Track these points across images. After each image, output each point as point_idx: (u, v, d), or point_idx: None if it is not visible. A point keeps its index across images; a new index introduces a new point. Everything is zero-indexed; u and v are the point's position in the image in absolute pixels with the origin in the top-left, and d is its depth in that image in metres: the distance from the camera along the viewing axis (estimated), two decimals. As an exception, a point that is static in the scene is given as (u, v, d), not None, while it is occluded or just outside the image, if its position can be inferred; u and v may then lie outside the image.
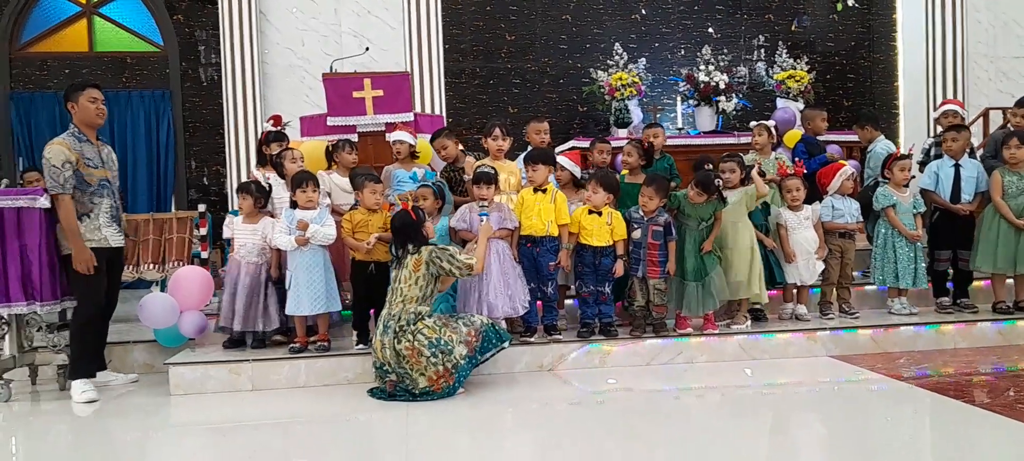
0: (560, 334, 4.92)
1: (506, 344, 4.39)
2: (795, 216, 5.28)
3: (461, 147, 5.61)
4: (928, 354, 4.96)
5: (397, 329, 4.13)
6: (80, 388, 4.46)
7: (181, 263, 6.15)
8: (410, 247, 4.29)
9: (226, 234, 5.03)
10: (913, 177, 5.64)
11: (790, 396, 4.24)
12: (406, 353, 4.09)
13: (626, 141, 5.83)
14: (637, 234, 4.91)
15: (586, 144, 6.36)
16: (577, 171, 5.30)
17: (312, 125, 6.01)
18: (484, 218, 4.64)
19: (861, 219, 5.49)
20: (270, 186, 5.14)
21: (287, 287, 4.68)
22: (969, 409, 3.69)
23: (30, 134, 8.70)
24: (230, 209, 5.64)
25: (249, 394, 4.47)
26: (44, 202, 4.50)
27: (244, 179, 7.06)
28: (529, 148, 5.38)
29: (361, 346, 4.72)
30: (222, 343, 4.92)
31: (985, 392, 4.03)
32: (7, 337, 4.65)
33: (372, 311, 4.79)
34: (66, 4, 8.94)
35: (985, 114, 8.69)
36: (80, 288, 4.52)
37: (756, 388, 4.36)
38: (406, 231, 4.33)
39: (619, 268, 4.87)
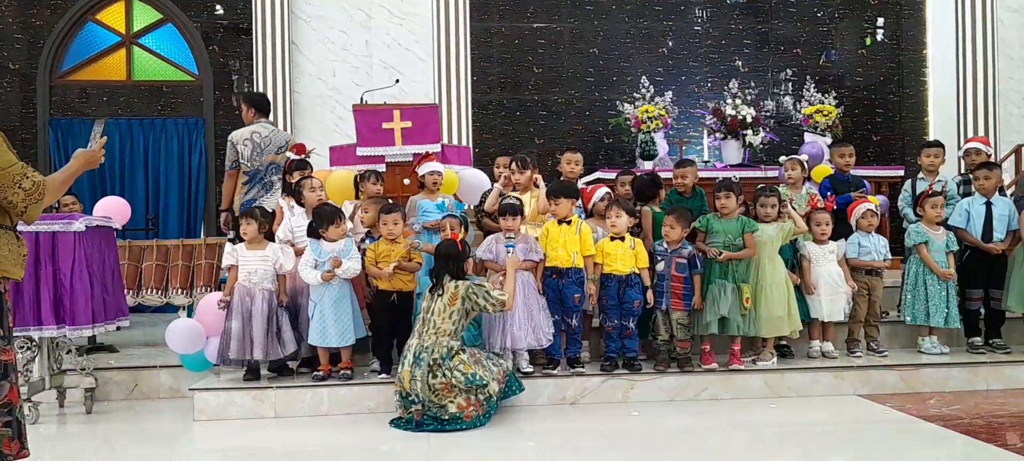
0: (583, 367, 4.89)
1: (520, 393, 4.52)
2: (819, 249, 5.23)
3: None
4: (959, 395, 4.85)
5: (431, 363, 4.13)
6: None
7: (209, 289, 6.23)
8: (447, 278, 4.31)
9: (228, 261, 4.91)
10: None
11: (817, 435, 4.18)
12: (440, 388, 4.11)
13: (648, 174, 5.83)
14: (661, 266, 4.90)
15: (611, 176, 6.38)
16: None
17: (342, 155, 6.09)
18: (511, 250, 4.65)
19: (889, 257, 5.41)
20: (273, 214, 5.17)
21: (309, 316, 4.70)
22: (1001, 453, 3.61)
23: (66, 160, 8.90)
24: (227, 236, 5.63)
25: (272, 421, 4.49)
26: (78, 226, 4.60)
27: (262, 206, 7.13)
28: (558, 179, 5.42)
29: (384, 376, 4.73)
30: (243, 376, 4.78)
31: (1018, 435, 3.94)
32: (37, 359, 4.73)
33: (395, 341, 4.81)
34: (106, 34, 9.19)
35: (1017, 150, 8.56)
36: None
37: (782, 426, 4.30)
38: (448, 261, 4.36)
39: (649, 297, 4.84)
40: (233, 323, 4.70)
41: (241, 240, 4.90)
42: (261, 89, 8.68)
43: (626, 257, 4.84)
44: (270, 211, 5.24)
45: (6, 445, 2.56)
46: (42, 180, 2.69)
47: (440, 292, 4.30)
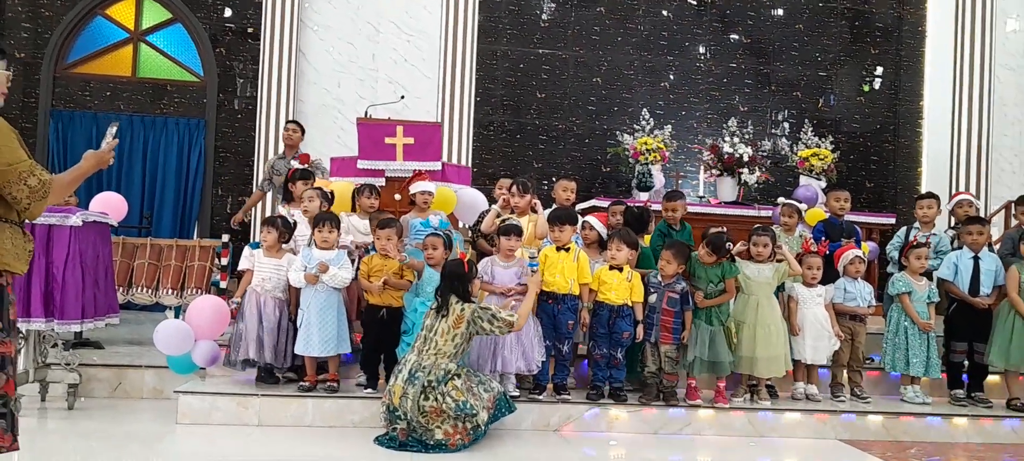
0: (569, 394, 4.91)
1: (512, 413, 4.49)
2: (807, 292, 5.28)
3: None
4: (940, 446, 4.89)
5: (426, 384, 4.12)
6: None
7: (200, 291, 6.24)
8: (453, 300, 4.32)
9: (244, 265, 4.98)
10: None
11: (796, 478, 4.20)
12: (429, 411, 4.10)
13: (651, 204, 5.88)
14: (653, 298, 4.93)
15: (606, 204, 6.43)
16: (604, 232, 5.34)
17: (342, 166, 6.13)
18: (534, 270, 4.66)
19: (873, 303, 5.47)
20: (295, 223, 5.22)
21: (298, 325, 4.73)
22: (978, 508, 3.63)
23: (65, 152, 8.91)
24: (251, 241, 5.72)
25: (255, 429, 4.49)
26: (75, 221, 4.62)
27: (268, 213, 7.20)
28: (553, 206, 5.47)
29: (369, 391, 4.74)
30: (255, 377, 4.82)
31: (995, 492, 3.97)
32: (22, 352, 4.71)
33: (383, 356, 4.83)
34: (115, 30, 9.24)
35: (1007, 207, 8.65)
36: None
37: (762, 467, 4.32)
38: (453, 280, 4.35)
39: (639, 333, 4.87)
40: (242, 325, 4.76)
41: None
42: (265, 94, 8.75)
43: (621, 288, 4.87)
44: (293, 223, 5.25)
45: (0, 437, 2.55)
46: (49, 178, 2.70)
47: (445, 313, 4.30)
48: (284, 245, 5.00)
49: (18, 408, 2.74)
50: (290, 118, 8.28)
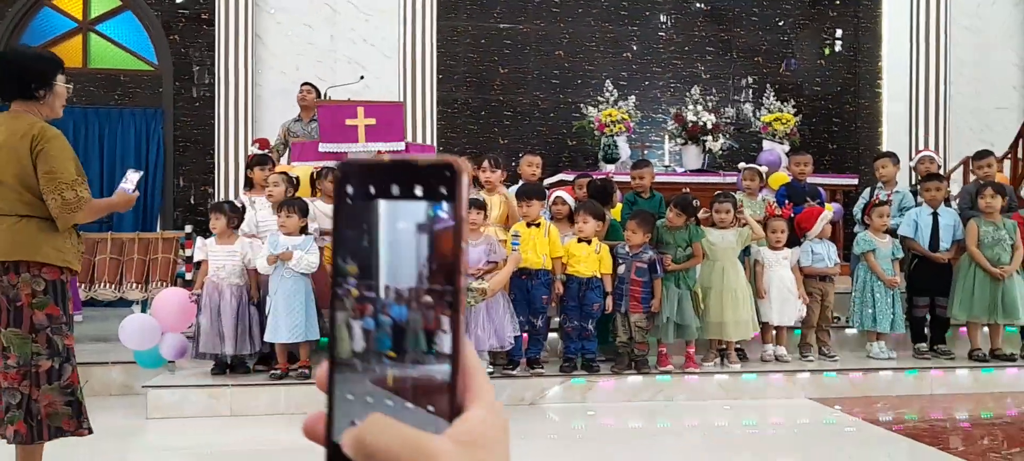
0: (542, 368, 4.93)
1: None
2: (773, 255, 5.35)
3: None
4: (905, 399, 5.01)
5: None
6: None
7: (165, 284, 6.14)
8: None
9: (198, 256, 4.92)
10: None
11: (768, 437, 4.28)
12: None
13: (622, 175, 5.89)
14: (621, 269, 4.96)
15: (572, 178, 6.44)
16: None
17: (303, 150, 6.04)
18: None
19: (838, 261, 5.57)
20: (243, 207, 5.13)
21: (267, 312, 4.67)
22: (944, 456, 3.73)
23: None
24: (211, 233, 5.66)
25: (228, 419, 4.45)
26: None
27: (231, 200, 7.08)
28: (521, 182, 5.46)
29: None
30: (210, 370, 4.79)
31: (960, 439, 4.08)
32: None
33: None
34: (63, 19, 8.97)
35: (965, 163, 8.81)
36: None
37: (735, 428, 4.39)
38: None
39: (609, 305, 4.90)
40: (202, 318, 4.67)
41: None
42: (223, 80, 8.58)
43: (590, 260, 4.89)
44: (240, 206, 5.16)
45: (66, 423, 2.83)
46: (83, 198, 2.82)
47: None
48: (236, 231, 4.90)
49: (83, 397, 2.97)
50: (306, 81, 7.86)
